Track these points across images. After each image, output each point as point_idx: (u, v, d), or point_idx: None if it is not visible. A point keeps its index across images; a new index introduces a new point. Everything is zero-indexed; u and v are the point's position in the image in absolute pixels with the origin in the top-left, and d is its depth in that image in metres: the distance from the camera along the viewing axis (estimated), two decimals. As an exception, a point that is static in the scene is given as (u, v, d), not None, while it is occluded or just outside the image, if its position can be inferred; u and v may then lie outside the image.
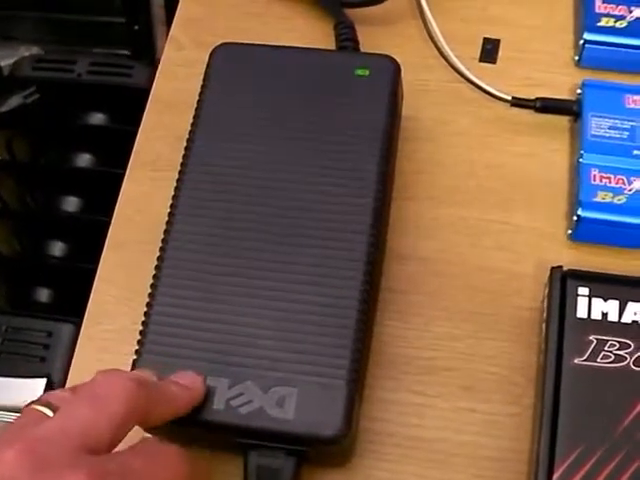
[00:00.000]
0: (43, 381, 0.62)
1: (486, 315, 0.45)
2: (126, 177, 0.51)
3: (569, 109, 0.49)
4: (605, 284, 0.41)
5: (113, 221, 0.50)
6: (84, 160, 0.79)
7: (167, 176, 0.45)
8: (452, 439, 0.42)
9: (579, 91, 0.49)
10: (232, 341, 0.39)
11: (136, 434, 0.34)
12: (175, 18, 0.56)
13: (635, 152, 0.46)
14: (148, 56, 0.91)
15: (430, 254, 0.47)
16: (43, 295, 0.74)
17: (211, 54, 0.47)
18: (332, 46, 0.52)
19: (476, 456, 0.42)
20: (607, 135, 0.47)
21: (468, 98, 0.51)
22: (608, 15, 0.51)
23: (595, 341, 0.39)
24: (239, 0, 0.56)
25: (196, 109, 0.46)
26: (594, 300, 0.40)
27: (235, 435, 0.38)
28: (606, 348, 0.39)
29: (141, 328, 0.40)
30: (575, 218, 0.45)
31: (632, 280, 0.42)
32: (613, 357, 0.39)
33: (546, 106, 0.49)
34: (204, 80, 0.47)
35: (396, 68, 0.46)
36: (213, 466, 0.41)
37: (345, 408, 0.38)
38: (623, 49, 0.50)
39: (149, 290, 0.41)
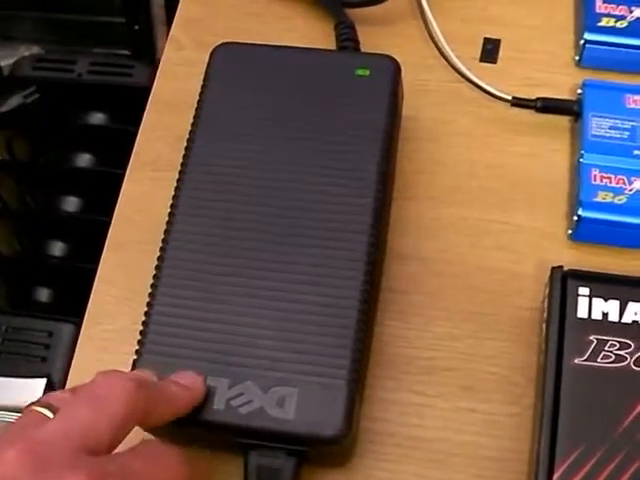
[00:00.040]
0: (43, 381, 0.62)
1: (486, 315, 0.45)
2: (126, 177, 0.51)
3: (569, 109, 0.49)
4: (606, 284, 0.41)
5: (113, 221, 0.50)
6: (84, 160, 0.79)
7: (167, 176, 0.45)
8: (452, 439, 0.42)
9: (579, 91, 0.49)
10: (232, 341, 0.39)
11: (137, 435, 0.34)
12: (175, 18, 0.56)
13: (635, 152, 0.46)
14: (148, 56, 0.91)
15: (430, 254, 0.47)
16: (43, 295, 0.74)
17: (211, 54, 0.47)
18: (332, 46, 0.52)
19: (476, 456, 0.42)
20: (608, 135, 0.47)
21: (468, 98, 0.51)
22: (608, 15, 0.51)
23: (595, 341, 0.39)
24: (239, 0, 0.56)
25: (196, 109, 0.46)
26: (594, 300, 0.40)
27: (235, 435, 0.38)
28: (606, 348, 0.39)
29: (141, 328, 0.40)
30: (575, 218, 0.45)
31: (633, 280, 0.42)
32: (613, 357, 0.39)
33: (546, 106, 0.49)
34: (204, 80, 0.47)
35: (396, 68, 0.46)
36: (213, 466, 0.41)
37: (345, 408, 0.37)
38: (623, 49, 0.50)
39: (149, 290, 0.41)
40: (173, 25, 0.56)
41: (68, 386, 0.45)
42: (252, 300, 0.40)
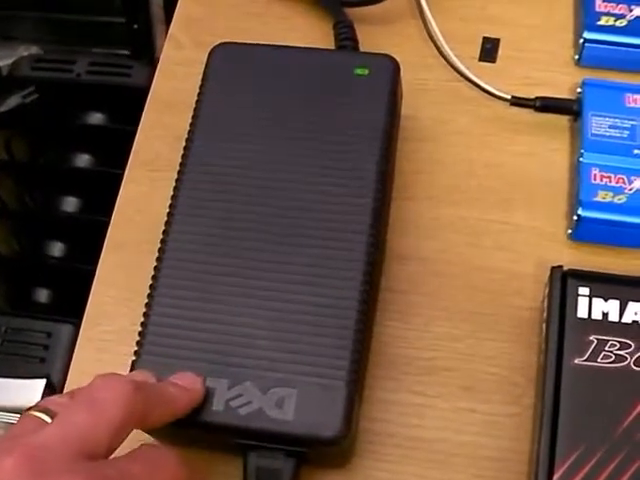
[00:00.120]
0: (42, 382, 0.62)
1: (486, 315, 0.45)
2: (125, 177, 0.51)
3: (569, 108, 0.49)
4: (606, 284, 0.41)
5: (112, 221, 0.49)
6: (83, 160, 0.79)
7: (166, 176, 0.45)
8: (452, 439, 0.42)
9: (579, 90, 0.49)
10: (231, 342, 0.39)
11: (136, 435, 0.34)
12: (174, 17, 0.56)
13: (635, 151, 0.46)
14: (147, 56, 0.91)
15: (430, 254, 0.47)
16: (42, 296, 0.74)
17: (210, 54, 0.47)
18: (331, 45, 0.52)
19: (476, 456, 0.42)
20: (607, 134, 0.47)
21: (467, 97, 0.51)
22: (608, 14, 0.51)
23: (595, 341, 0.39)
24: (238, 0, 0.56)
25: (195, 109, 0.46)
26: (594, 300, 0.40)
27: (234, 436, 0.38)
28: (606, 348, 0.39)
29: (140, 329, 0.40)
30: (575, 218, 0.45)
31: (633, 280, 0.41)
32: (613, 357, 0.39)
33: (546, 105, 0.49)
34: (203, 80, 0.46)
35: (395, 67, 0.46)
36: (212, 467, 0.41)
37: (345, 409, 0.37)
38: (623, 48, 0.50)
39: (148, 291, 0.41)
40: (172, 24, 0.56)
41: (67, 387, 0.45)
42: (251, 300, 0.40)
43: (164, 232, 0.42)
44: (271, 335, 0.39)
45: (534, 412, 0.41)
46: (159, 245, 0.42)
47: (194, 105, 0.46)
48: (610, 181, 0.45)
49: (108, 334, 0.46)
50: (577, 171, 0.46)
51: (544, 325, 0.41)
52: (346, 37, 0.51)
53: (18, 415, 0.33)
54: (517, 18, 0.54)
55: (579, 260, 0.46)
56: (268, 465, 0.38)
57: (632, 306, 0.40)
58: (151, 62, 0.82)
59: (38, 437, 0.30)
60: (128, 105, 0.59)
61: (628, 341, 0.39)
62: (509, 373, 0.43)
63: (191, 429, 0.38)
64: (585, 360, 0.39)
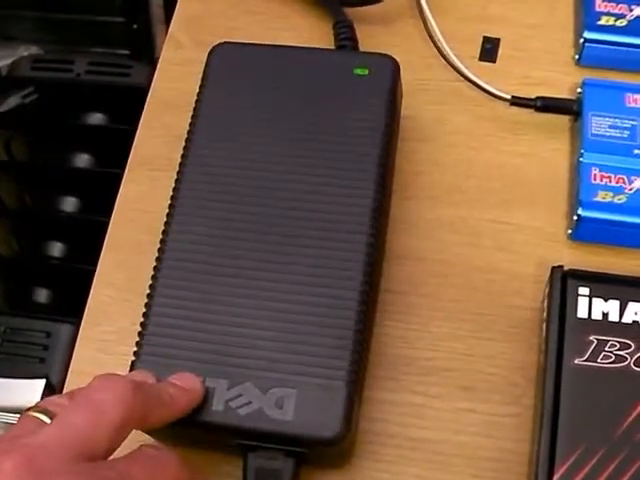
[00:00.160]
0: (42, 382, 0.62)
1: (486, 315, 0.45)
2: (125, 177, 0.51)
3: (569, 108, 0.49)
4: (606, 284, 0.41)
5: (112, 221, 0.49)
6: (83, 160, 0.79)
7: (166, 176, 0.45)
8: (452, 440, 0.42)
9: (579, 90, 0.49)
10: (231, 342, 0.39)
11: (136, 435, 0.34)
12: (174, 17, 0.56)
13: (636, 151, 0.46)
14: (147, 55, 0.91)
15: (429, 254, 0.47)
16: (42, 295, 0.74)
17: (210, 53, 0.47)
18: (331, 45, 0.52)
19: (476, 457, 0.42)
20: (607, 134, 0.47)
21: (467, 97, 0.51)
22: (608, 14, 0.51)
23: (595, 341, 0.39)
24: (238, -1, 0.56)
25: (195, 108, 0.46)
26: (595, 300, 0.40)
27: (234, 436, 0.38)
28: (606, 348, 0.39)
29: (140, 329, 0.40)
30: (575, 218, 0.45)
31: (633, 280, 0.41)
32: (614, 357, 0.39)
33: (546, 105, 0.49)
34: (202, 79, 0.46)
35: (395, 67, 0.46)
36: (213, 467, 0.41)
37: (344, 409, 0.37)
38: (623, 48, 0.50)
39: (148, 291, 0.41)
40: (172, 24, 0.56)
41: (67, 387, 0.44)
42: (251, 301, 0.40)
43: (164, 232, 0.42)
44: (271, 335, 0.39)
45: (534, 412, 0.41)
46: (159, 245, 0.42)
47: (194, 105, 0.46)
48: (610, 181, 0.45)
49: (108, 334, 0.46)
50: (577, 171, 0.46)
51: (544, 325, 0.41)
52: (346, 37, 0.51)
53: (17, 415, 0.32)
54: (517, 18, 0.54)
55: (579, 260, 0.46)
56: (268, 465, 0.38)
57: (632, 306, 0.40)
58: (151, 62, 0.82)
59: (37, 438, 0.30)
60: (128, 105, 0.59)
61: (628, 341, 0.39)
62: (509, 373, 0.43)
63: (191, 429, 0.38)
64: (585, 360, 0.39)
